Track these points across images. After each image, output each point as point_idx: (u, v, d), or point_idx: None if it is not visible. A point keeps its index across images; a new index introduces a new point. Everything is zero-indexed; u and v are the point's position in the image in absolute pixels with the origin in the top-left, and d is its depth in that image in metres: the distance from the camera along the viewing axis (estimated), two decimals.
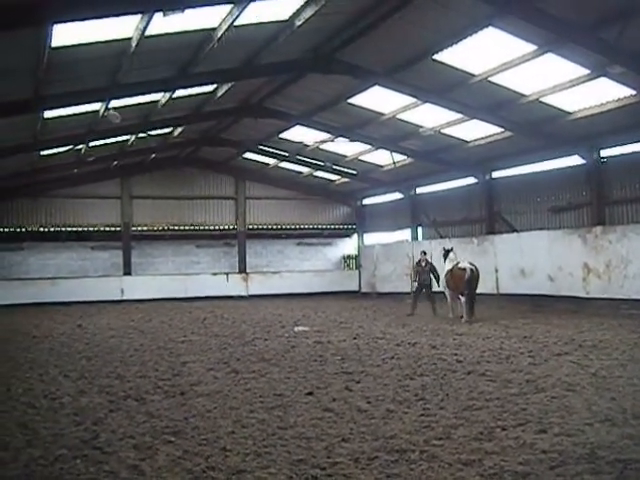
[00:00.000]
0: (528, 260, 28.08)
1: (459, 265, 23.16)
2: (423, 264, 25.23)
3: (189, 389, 11.80)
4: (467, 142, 29.78)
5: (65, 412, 10.22)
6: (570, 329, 19.28)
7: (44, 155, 31.12)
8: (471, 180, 34.22)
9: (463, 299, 22.62)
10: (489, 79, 22.31)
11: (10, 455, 7.95)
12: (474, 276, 22.68)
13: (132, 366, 14.67)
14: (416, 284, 25.67)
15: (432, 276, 24.88)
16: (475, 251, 31.24)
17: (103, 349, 17.72)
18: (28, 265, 39.46)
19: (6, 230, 38.70)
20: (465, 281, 22.54)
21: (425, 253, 25.93)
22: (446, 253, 24.32)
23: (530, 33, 18.71)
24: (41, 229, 39.35)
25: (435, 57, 21.24)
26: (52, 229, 39.58)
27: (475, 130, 28.31)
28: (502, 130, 27.19)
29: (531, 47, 19.64)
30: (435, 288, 25.15)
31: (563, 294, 26.26)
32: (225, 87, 24.82)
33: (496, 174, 32.85)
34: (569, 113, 24.26)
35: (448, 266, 23.68)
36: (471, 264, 23.13)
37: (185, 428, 9.00)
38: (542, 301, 26.99)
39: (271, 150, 37.27)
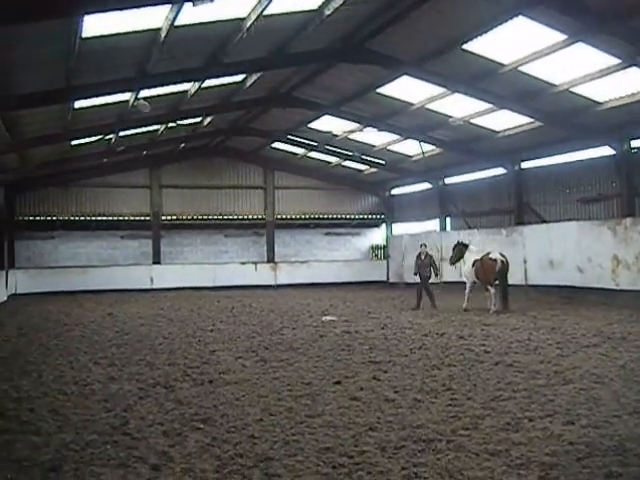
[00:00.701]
0: (557, 251, 27.90)
1: (490, 255, 23.10)
2: (423, 257, 24.81)
3: (218, 377, 11.91)
4: (496, 132, 29.62)
5: (95, 398, 10.36)
6: (599, 321, 19.18)
7: (74, 145, 31.37)
8: (500, 170, 34.04)
9: (492, 290, 22.56)
10: (519, 69, 22.15)
11: (42, 440, 8.09)
12: (505, 267, 22.66)
13: (161, 354, 14.82)
14: (417, 277, 25.16)
15: (431, 269, 24.52)
16: (504, 242, 31.11)
17: (133, 337, 17.89)
18: (59, 254, 39.83)
19: (37, 219, 39.07)
20: (497, 272, 22.53)
21: (425, 246, 25.40)
22: (461, 247, 24.40)
23: (560, 22, 18.56)
24: (72, 218, 39.69)
25: (465, 47, 21.12)
26: (82, 218, 39.93)
27: (504, 120, 28.16)
28: (531, 120, 27.01)
29: (561, 36, 19.46)
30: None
31: (592, 286, 26.03)
32: (254, 77, 24.84)
33: (525, 165, 32.65)
34: (599, 103, 24.04)
35: (472, 257, 23.68)
36: (501, 255, 23.09)
37: (214, 415, 9.10)
38: (571, 293, 26.80)
39: (300, 140, 37.29)
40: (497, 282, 22.82)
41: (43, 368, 13.21)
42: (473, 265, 23.37)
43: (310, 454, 7.31)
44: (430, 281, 24.84)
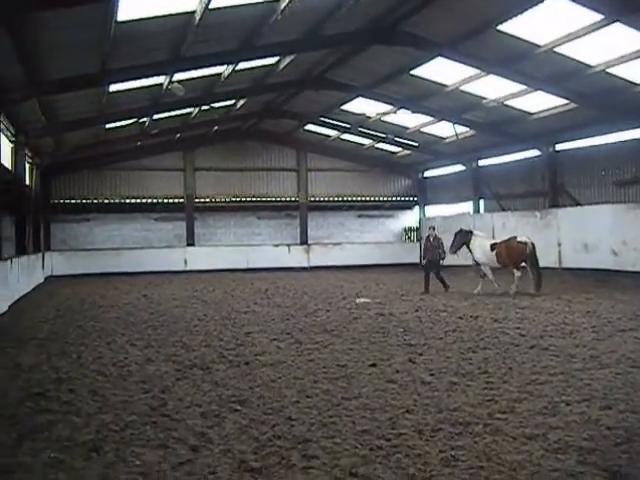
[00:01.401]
0: (592, 234, 27.67)
1: (518, 239, 23.00)
2: (432, 239, 24.29)
3: (253, 359, 11.98)
4: (531, 114, 29.39)
5: (133, 380, 10.46)
6: (634, 305, 19.01)
7: (109, 128, 31.63)
8: (534, 152, 33.78)
9: (518, 273, 22.57)
10: (554, 50, 21.95)
11: (83, 420, 8.19)
12: (534, 249, 22.57)
13: (197, 335, 14.92)
14: (425, 261, 24.70)
15: (440, 252, 23.97)
16: (537, 225, 30.95)
17: (168, 318, 18.02)
18: (94, 236, 40.24)
19: (72, 202, 39.46)
20: (527, 255, 22.44)
21: (434, 228, 24.99)
22: (464, 234, 24.08)
23: (597, 2, 18.38)
24: (106, 201, 40.07)
25: (500, 27, 20.98)
26: (117, 201, 40.31)
27: (539, 102, 27.93)
28: (567, 102, 26.76)
29: (598, 16, 19.25)
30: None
31: (627, 269, 25.82)
32: (287, 59, 24.86)
33: (560, 146, 32.36)
34: (636, 84, 23.75)
35: (485, 242, 23.62)
36: (528, 238, 23.02)
37: (250, 397, 9.16)
38: (605, 276, 26.58)
39: (333, 122, 37.25)
40: (523, 265, 22.77)
41: (81, 349, 13.34)
42: (492, 249, 23.11)
43: (347, 436, 7.34)
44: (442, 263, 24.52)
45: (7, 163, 24.58)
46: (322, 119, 36.93)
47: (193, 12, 17.97)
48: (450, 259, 24.82)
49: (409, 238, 46.08)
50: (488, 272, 23.49)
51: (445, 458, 6.60)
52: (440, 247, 23.99)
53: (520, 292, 22.31)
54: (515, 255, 22.67)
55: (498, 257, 22.96)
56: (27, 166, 29.03)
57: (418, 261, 41.40)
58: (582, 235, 28.18)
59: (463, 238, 23.80)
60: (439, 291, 23.46)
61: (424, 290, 23.77)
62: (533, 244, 22.75)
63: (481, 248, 23.45)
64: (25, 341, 14.51)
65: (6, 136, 24.22)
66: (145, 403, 8.96)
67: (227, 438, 7.39)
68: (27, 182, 29.26)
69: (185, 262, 39.46)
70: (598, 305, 18.96)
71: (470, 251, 23.74)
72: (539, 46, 21.94)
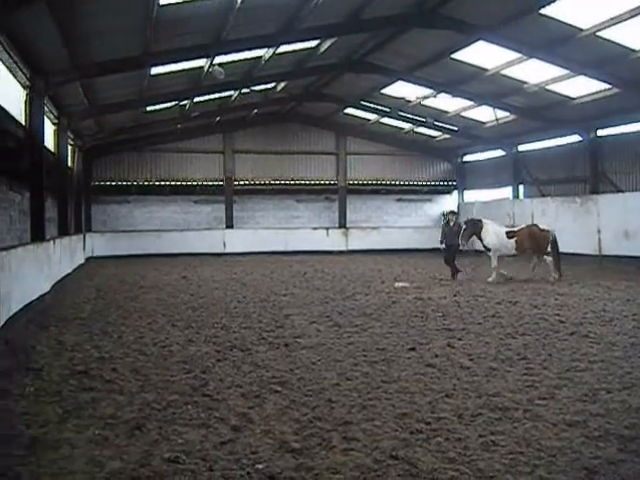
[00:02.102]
0: (633, 221, 27.40)
1: (541, 227, 22.98)
2: (452, 224, 23.92)
3: (293, 341, 12.08)
4: (572, 99, 29.05)
5: (175, 360, 10.60)
6: None
7: (150, 110, 31.83)
8: (575, 138, 33.42)
9: (548, 259, 22.59)
10: (597, 34, 21.67)
11: (126, 399, 8.34)
12: (555, 237, 22.64)
13: (236, 317, 15.05)
14: (443, 246, 24.17)
15: (459, 239, 23.18)
16: (577, 211, 30.75)
17: (208, 300, 18.19)
18: (134, 218, 40.55)
19: (113, 183, 39.80)
20: (550, 242, 22.48)
21: (454, 213, 24.83)
22: (474, 223, 23.47)
23: None
24: (146, 183, 40.33)
25: (542, 11, 20.74)
26: (157, 183, 40.54)
27: (581, 86, 27.59)
28: (609, 87, 26.41)
29: None
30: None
31: None
32: (328, 42, 24.81)
33: (601, 132, 31.98)
34: None
35: (500, 229, 23.38)
36: (548, 226, 23.34)
37: (291, 379, 9.25)
38: None
39: (372, 106, 37.11)
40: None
41: (123, 329, 13.54)
42: (510, 237, 22.91)
43: (387, 419, 7.40)
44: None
45: (50, 145, 24.85)
46: (362, 103, 36.81)
47: None
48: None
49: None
50: (495, 260, 22.94)
51: (485, 443, 6.64)
52: (459, 234, 23.37)
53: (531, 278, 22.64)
54: (541, 243, 22.66)
55: (519, 245, 22.78)
56: (69, 148, 29.33)
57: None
58: (623, 222, 27.92)
59: (473, 228, 23.23)
60: (477, 276, 23.34)
61: (452, 276, 23.43)
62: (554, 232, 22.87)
63: (497, 236, 23.06)
64: (68, 320, 14.74)
65: (49, 119, 24.47)
66: (186, 383, 9.09)
67: (268, 419, 7.48)
68: (69, 164, 29.57)
69: (224, 244, 39.68)
70: (638, 293, 18.77)
71: (481, 240, 23.20)
72: (582, 30, 21.67)
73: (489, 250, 23.05)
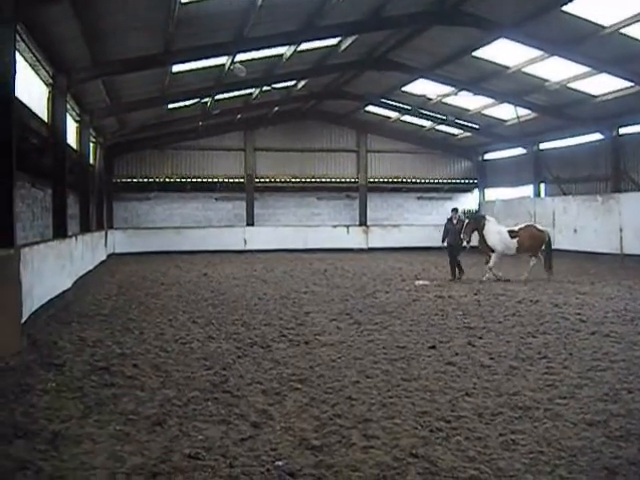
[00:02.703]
0: None
1: (538, 227, 23.04)
2: (454, 222, 23.11)
3: (313, 338, 12.10)
4: (594, 97, 28.88)
5: (195, 356, 10.65)
6: None
7: (171, 108, 31.93)
8: (597, 136, 33.19)
9: (534, 260, 22.57)
10: (620, 31, 21.54)
11: (147, 395, 8.38)
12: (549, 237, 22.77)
13: (257, 314, 15.08)
14: (445, 243, 23.37)
15: (462, 237, 22.56)
16: (599, 209, 30.58)
17: (228, 297, 18.24)
18: (155, 214, 40.74)
19: (135, 180, 40.01)
20: (546, 242, 22.45)
21: (457, 210, 24.11)
22: (477, 219, 23.34)
23: None
24: (167, 180, 40.51)
25: (564, 8, 20.63)
26: (178, 180, 40.70)
27: (603, 84, 27.41)
28: (632, 85, 26.21)
29: None
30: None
31: None
32: (349, 40, 24.79)
33: (624, 130, 31.73)
34: None
35: (502, 229, 23.00)
36: (543, 226, 23.41)
37: (311, 376, 9.27)
38: None
39: (393, 103, 37.05)
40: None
41: (144, 326, 13.60)
42: (513, 237, 22.59)
43: (407, 417, 7.40)
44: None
45: (72, 142, 25.00)
46: (383, 100, 36.76)
47: None
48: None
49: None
50: (495, 259, 22.61)
51: (505, 442, 6.63)
52: (463, 232, 22.66)
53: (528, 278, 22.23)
54: (538, 243, 22.56)
55: (520, 245, 22.54)
56: (91, 145, 29.48)
57: (477, 244, 41.31)
58: None
59: (475, 224, 22.73)
60: (499, 276, 23.23)
61: (453, 276, 22.77)
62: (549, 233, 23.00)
63: (500, 235, 22.67)
64: (89, 317, 14.84)
65: (71, 116, 24.63)
66: (207, 379, 9.13)
67: (288, 416, 7.50)
68: (91, 161, 29.73)
69: (245, 242, 39.75)
70: None
71: (482, 237, 22.68)
72: (604, 27, 21.55)
73: (492, 250, 22.58)
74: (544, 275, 22.33)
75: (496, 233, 22.65)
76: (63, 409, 7.74)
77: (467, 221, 22.81)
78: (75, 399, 8.16)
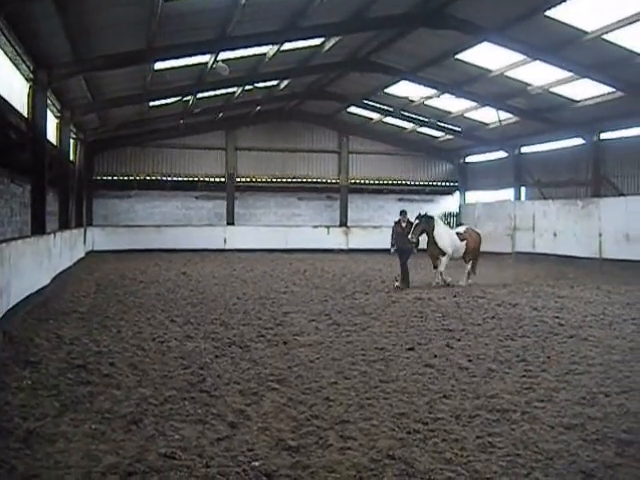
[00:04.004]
0: (634, 225, 27.34)
1: (476, 230, 23.21)
2: (403, 225, 21.22)
3: (292, 339, 12.08)
4: (576, 102, 29.03)
5: (173, 355, 10.59)
6: None
7: (153, 106, 31.82)
8: (578, 141, 33.37)
9: (472, 264, 22.44)
10: (602, 37, 21.66)
11: (123, 393, 8.32)
12: None
13: (236, 314, 15.04)
14: (393, 249, 21.50)
15: (411, 240, 20.92)
16: (579, 214, 30.75)
17: (207, 296, 18.20)
18: (135, 212, 40.58)
19: (115, 178, 39.83)
20: (479, 244, 22.59)
21: (405, 213, 21.76)
22: (427, 219, 21.33)
23: None
24: (148, 178, 40.36)
25: (548, 13, 20.72)
26: (158, 178, 40.58)
27: (584, 89, 27.56)
28: (613, 90, 26.38)
29: None
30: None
31: None
32: (332, 41, 24.80)
33: (604, 135, 31.95)
34: None
35: (451, 231, 22.60)
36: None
37: (289, 376, 9.25)
38: None
39: (376, 105, 37.11)
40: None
41: (122, 324, 13.52)
42: (462, 239, 22.07)
43: (385, 419, 7.39)
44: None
45: (52, 138, 24.84)
46: (365, 102, 36.83)
47: None
48: None
49: (449, 224, 45.80)
50: (446, 262, 21.71)
51: (482, 444, 6.62)
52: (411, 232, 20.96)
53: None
54: (479, 246, 22.64)
55: (467, 247, 22.10)
56: (71, 142, 29.31)
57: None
58: (624, 226, 27.88)
59: (425, 225, 21.17)
60: (477, 278, 23.22)
61: (400, 283, 20.73)
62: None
63: (449, 237, 21.84)
64: (67, 314, 14.73)
65: (52, 112, 24.46)
66: (184, 379, 9.08)
67: (265, 416, 7.47)
68: (71, 157, 29.55)
69: (225, 241, 39.71)
70: (638, 297, 18.74)
71: (433, 238, 21.38)
72: (587, 32, 21.65)
73: (443, 253, 21.48)
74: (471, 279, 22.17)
75: (447, 235, 21.81)
76: (38, 407, 7.66)
77: (416, 222, 21.08)
78: (50, 397, 8.08)
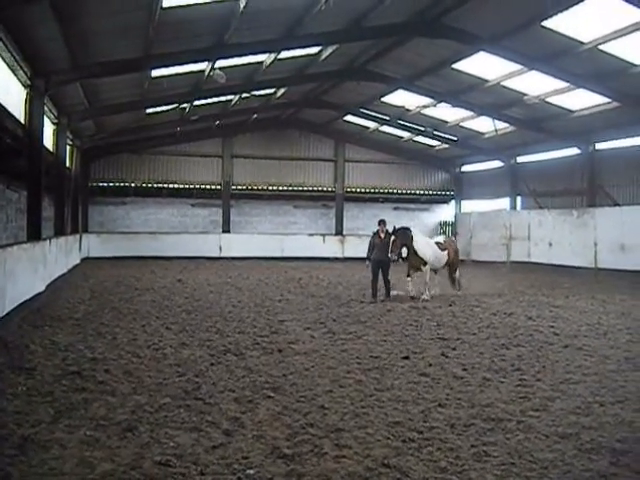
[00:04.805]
0: (629, 235, 27.40)
1: (453, 240, 22.91)
2: (382, 235, 20.14)
3: (287, 347, 12.09)
4: (572, 112, 29.10)
5: (168, 363, 10.60)
6: None
7: (150, 113, 31.84)
8: (574, 151, 33.44)
9: (458, 273, 22.06)
10: (599, 47, 21.71)
11: (118, 400, 8.33)
12: None
13: (231, 322, 15.04)
14: (368, 262, 20.60)
15: (390, 251, 19.69)
16: (574, 223, 30.81)
17: (202, 304, 18.19)
18: (130, 219, 40.54)
19: (111, 185, 39.80)
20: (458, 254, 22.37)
21: (384, 223, 20.58)
22: (405, 231, 20.28)
23: None
24: (144, 185, 40.31)
25: (544, 23, 20.77)
26: (154, 185, 40.53)
27: (580, 100, 27.62)
28: (609, 100, 26.44)
29: None
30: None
31: None
32: (330, 49, 24.83)
33: (600, 145, 32.02)
34: None
35: (430, 241, 21.45)
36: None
37: (284, 384, 9.26)
38: None
39: (372, 114, 37.13)
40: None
41: (117, 331, 13.52)
42: (443, 249, 21.26)
43: (380, 427, 7.40)
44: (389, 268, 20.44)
45: (49, 145, 24.83)
46: (362, 110, 36.84)
47: (237, 0, 18.05)
48: None
49: (444, 232, 45.88)
50: (429, 275, 20.81)
51: (477, 453, 6.65)
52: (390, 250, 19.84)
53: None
54: (458, 256, 22.34)
55: (449, 257, 21.42)
56: (68, 148, 29.32)
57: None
58: (619, 236, 27.94)
59: (403, 238, 20.09)
60: (471, 287, 23.24)
61: (373, 298, 19.73)
62: None
63: (431, 248, 20.96)
64: (62, 320, 14.71)
65: (49, 118, 24.46)
66: (179, 386, 9.08)
67: (260, 424, 7.48)
68: (67, 164, 29.55)
69: (220, 249, 39.67)
70: (633, 307, 18.77)
71: (413, 249, 20.36)
72: (583, 43, 21.71)
73: (424, 264, 20.55)
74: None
75: (427, 246, 20.88)
76: (33, 413, 7.66)
77: (392, 238, 19.83)
78: (45, 403, 8.08)
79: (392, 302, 19.23)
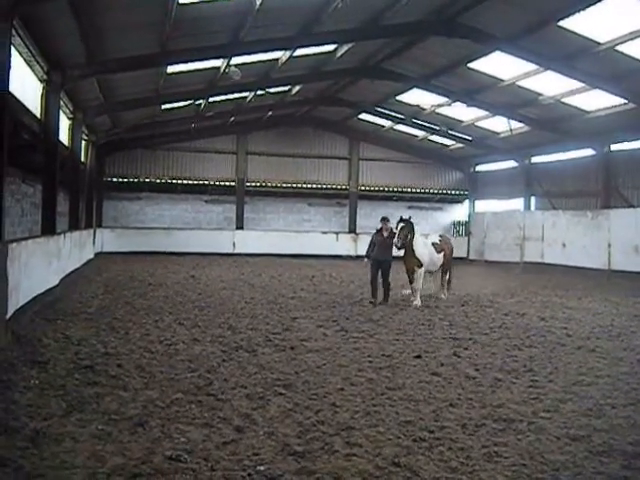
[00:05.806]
0: None
1: (447, 238, 21.80)
2: (385, 234, 18.99)
3: (299, 344, 12.10)
4: (587, 112, 28.94)
5: (180, 358, 10.63)
6: None
7: (165, 109, 31.90)
8: (588, 152, 33.27)
9: (448, 274, 21.01)
10: (615, 48, 21.59)
11: (130, 395, 8.35)
12: None
13: (243, 318, 15.06)
14: (367, 260, 19.64)
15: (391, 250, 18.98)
16: (588, 225, 30.64)
17: (215, 300, 18.23)
18: (145, 215, 40.68)
19: (125, 180, 39.94)
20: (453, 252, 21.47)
21: (388, 220, 19.44)
22: (409, 224, 19.17)
23: None
24: (158, 181, 40.45)
25: (561, 23, 20.67)
26: (169, 181, 40.67)
27: (596, 100, 27.46)
28: (625, 102, 26.29)
29: None
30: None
31: None
32: (345, 47, 24.81)
33: (615, 147, 31.85)
34: None
35: (427, 240, 20.61)
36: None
37: (295, 382, 9.27)
38: None
39: (387, 112, 37.08)
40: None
41: (129, 326, 13.56)
42: (440, 250, 20.37)
43: (391, 426, 7.40)
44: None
45: (64, 139, 24.91)
46: (377, 109, 36.80)
47: None
48: None
49: (458, 232, 45.80)
50: (422, 277, 19.59)
51: (488, 453, 6.63)
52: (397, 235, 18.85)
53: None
54: (452, 253, 21.36)
55: (445, 260, 20.52)
56: (83, 143, 29.40)
57: (466, 255, 41.28)
58: (633, 237, 27.77)
59: (409, 230, 19.08)
60: (482, 288, 23.18)
61: (373, 299, 18.78)
62: None
63: (427, 248, 19.94)
64: (75, 315, 14.76)
65: (64, 113, 24.53)
66: (191, 382, 9.10)
67: (271, 421, 7.49)
68: (82, 159, 29.63)
69: (233, 245, 39.75)
70: None
71: (411, 247, 19.22)
72: (600, 43, 21.59)
73: (420, 266, 19.34)
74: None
75: (423, 245, 19.81)
76: (45, 407, 7.69)
77: (402, 224, 18.85)
78: (57, 397, 8.11)
79: (404, 301, 19.15)
